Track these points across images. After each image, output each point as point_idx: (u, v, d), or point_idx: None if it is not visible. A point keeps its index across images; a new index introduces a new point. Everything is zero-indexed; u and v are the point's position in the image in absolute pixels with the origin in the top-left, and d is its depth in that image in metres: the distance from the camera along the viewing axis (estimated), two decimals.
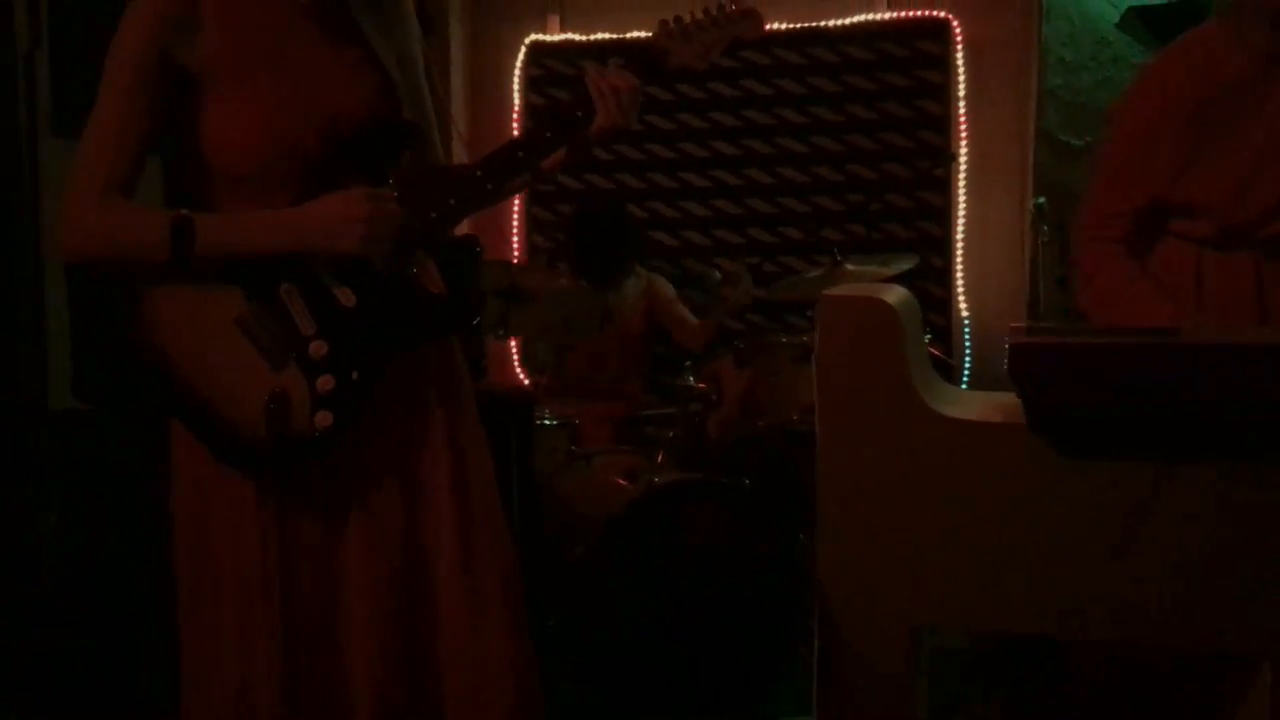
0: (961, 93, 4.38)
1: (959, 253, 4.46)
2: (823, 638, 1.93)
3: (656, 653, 2.74)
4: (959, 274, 4.46)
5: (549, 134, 1.72)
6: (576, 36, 4.67)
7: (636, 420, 3.56)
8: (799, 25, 4.48)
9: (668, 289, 4.05)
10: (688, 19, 1.81)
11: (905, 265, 3.50)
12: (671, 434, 3.21)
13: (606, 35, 4.61)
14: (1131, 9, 3.71)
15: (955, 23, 4.36)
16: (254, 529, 1.58)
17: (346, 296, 1.60)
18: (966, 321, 4.46)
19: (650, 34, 1.80)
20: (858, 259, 3.59)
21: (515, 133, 4.73)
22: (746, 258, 4.51)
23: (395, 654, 1.63)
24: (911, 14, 4.42)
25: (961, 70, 4.37)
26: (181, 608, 1.64)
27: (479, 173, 1.67)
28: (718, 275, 3.95)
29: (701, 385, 3.21)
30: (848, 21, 4.47)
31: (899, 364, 1.82)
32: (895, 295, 1.95)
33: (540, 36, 4.69)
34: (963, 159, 4.40)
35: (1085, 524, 1.76)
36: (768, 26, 4.82)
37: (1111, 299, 2.34)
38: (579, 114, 1.70)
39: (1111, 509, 1.74)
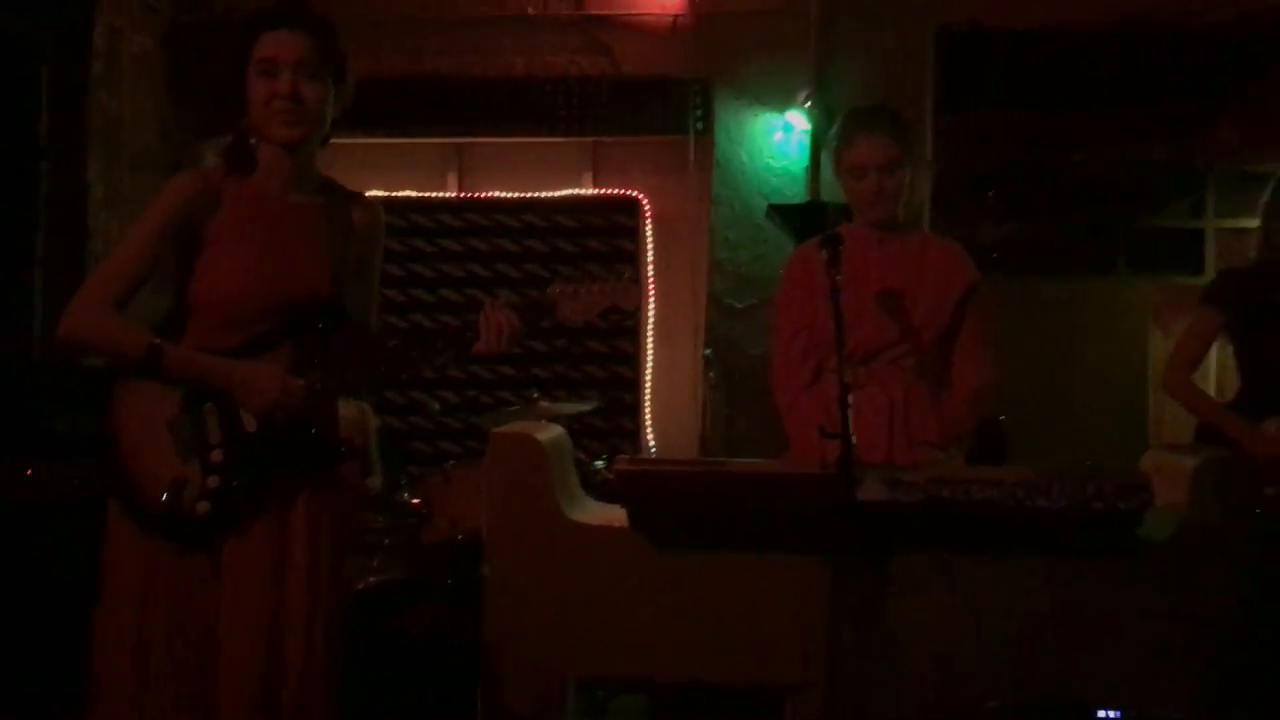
0: (650, 259, 5.27)
1: (647, 392, 5.28)
2: (486, 693, 2.56)
3: None
4: (647, 410, 5.28)
5: (440, 344, 2.30)
6: None
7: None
8: (517, 194, 5.28)
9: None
10: (581, 279, 2.37)
11: (587, 406, 4.25)
12: (387, 541, 3.78)
13: None
14: (770, 205, 4.70)
15: (645, 201, 5.26)
16: (141, 585, 2.11)
17: (250, 423, 2.14)
18: (653, 450, 5.26)
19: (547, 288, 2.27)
20: (552, 397, 4.32)
21: None
22: (468, 390, 5.20)
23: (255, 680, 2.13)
24: (610, 192, 5.30)
25: (650, 241, 5.27)
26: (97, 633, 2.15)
27: (382, 359, 2.25)
28: (436, 406, 4.59)
29: (415, 501, 3.81)
30: (558, 194, 5.30)
31: (545, 483, 2.52)
32: (548, 433, 2.66)
33: None
34: (650, 314, 5.27)
35: (675, 597, 2.49)
36: (493, 194, 5.56)
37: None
38: (469, 336, 2.24)
39: (692, 586, 2.48)
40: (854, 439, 2.31)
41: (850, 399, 2.35)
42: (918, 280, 2.88)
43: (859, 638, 2.37)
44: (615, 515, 2.60)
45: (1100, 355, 4.69)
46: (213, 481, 2.12)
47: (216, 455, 2.14)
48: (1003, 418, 3.98)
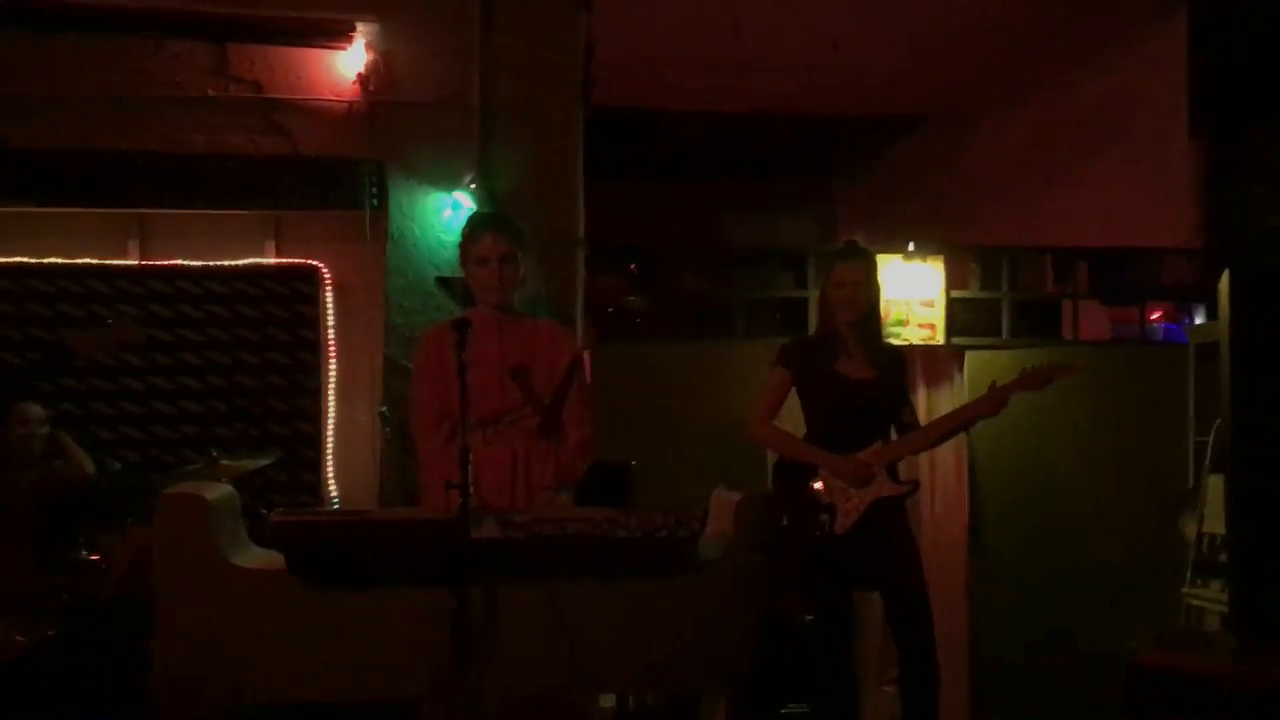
0: (330, 323, 5.66)
1: (329, 447, 5.66)
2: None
3: None
4: (329, 463, 5.65)
5: None
6: None
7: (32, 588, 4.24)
8: (200, 263, 5.56)
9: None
10: (92, 323, 2.79)
11: (266, 460, 4.61)
12: (65, 597, 3.99)
13: None
14: (438, 278, 5.25)
15: (325, 270, 5.67)
16: None
17: None
18: (336, 501, 5.63)
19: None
20: (233, 454, 4.65)
21: None
22: (151, 450, 5.40)
23: None
24: (291, 261, 5.67)
25: (330, 307, 5.67)
26: None
27: None
28: (118, 465, 4.81)
29: (94, 556, 4.06)
30: (240, 262, 5.62)
31: (209, 534, 2.91)
32: (215, 491, 3.06)
33: None
34: (331, 374, 5.66)
35: (327, 629, 2.94)
36: (174, 261, 5.83)
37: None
38: None
39: (341, 618, 2.94)
40: (475, 490, 2.86)
41: (471, 457, 2.92)
42: (532, 355, 3.50)
43: (479, 653, 2.91)
44: (279, 560, 3.02)
45: (726, 406, 5.47)
46: None
47: None
48: (633, 463, 4.65)
